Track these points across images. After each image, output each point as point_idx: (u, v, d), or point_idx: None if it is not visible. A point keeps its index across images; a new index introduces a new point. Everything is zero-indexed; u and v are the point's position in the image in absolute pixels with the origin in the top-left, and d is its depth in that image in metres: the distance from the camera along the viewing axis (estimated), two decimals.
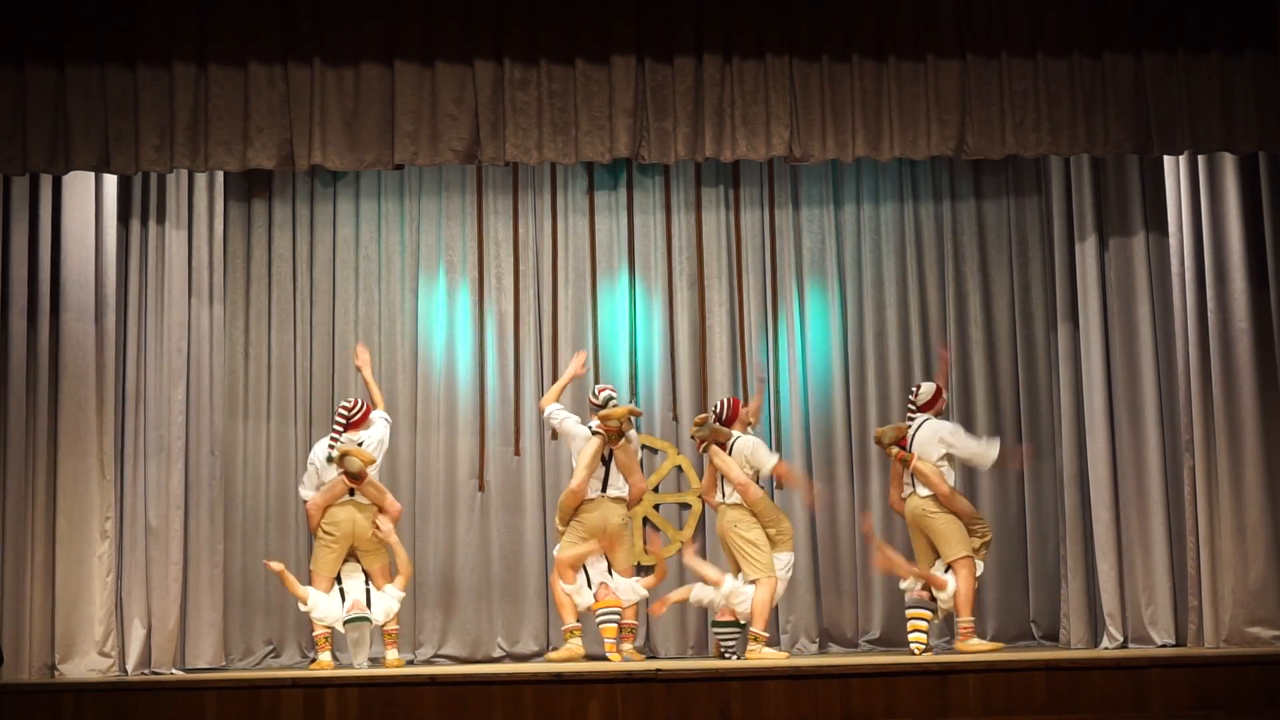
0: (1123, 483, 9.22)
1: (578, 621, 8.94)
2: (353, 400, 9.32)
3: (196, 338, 9.38)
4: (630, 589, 8.99)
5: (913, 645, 8.85)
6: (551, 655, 9.01)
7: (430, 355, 10.19)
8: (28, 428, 8.50)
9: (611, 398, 9.13)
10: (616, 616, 8.87)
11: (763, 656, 8.61)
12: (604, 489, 9.00)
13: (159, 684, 8.12)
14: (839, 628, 9.95)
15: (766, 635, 8.79)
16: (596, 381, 9.83)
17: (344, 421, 9.17)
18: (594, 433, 9.04)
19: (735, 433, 9.03)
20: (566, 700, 7.51)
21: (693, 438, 9.20)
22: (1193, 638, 8.73)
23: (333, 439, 9.14)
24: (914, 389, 9.28)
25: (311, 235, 10.23)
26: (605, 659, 8.76)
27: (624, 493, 9.06)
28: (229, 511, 9.73)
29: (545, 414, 9.40)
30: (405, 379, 10.14)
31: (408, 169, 9.77)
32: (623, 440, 9.03)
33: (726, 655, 8.80)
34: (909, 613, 8.95)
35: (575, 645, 8.85)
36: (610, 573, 9.02)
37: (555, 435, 9.73)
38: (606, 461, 9.02)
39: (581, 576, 8.99)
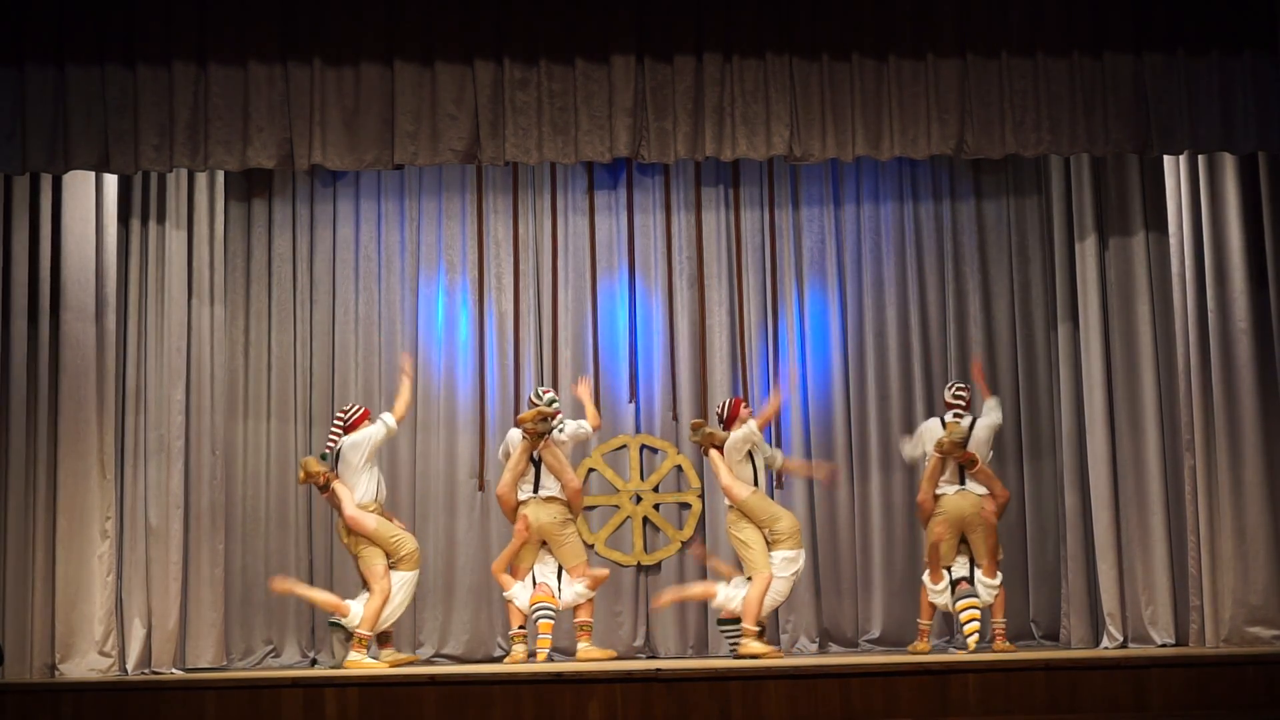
0: (1123, 483, 9.21)
1: (521, 627, 8.99)
2: (349, 405, 9.34)
3: (196, 338, 9.38)
4: (573, 592, 8.98)
5: (969, 640, 8.86)
6: (507, 660, 9.01)
7: (430, 355, 10.19)
8: (28, 427, 8.49)
9: (554, 399, 9.18)
10: (551, 612, 8.89)
11: (750, 649, 8.64)
12: (535, 490, 9.02)
13: (159, 684, 8.11)
14: (839, 628, 9.95)
15: (756, 630, 8.81)
16: (598, 389, 9.87)
17: (340, 425, 9.19)
18: (524, 436, 9.09)
19: (731, 434, 9.04)
20: (566, 700, 7.50)
21: (693, 441, 9.21)
22: (1193, 637, 8.72)
23: (328, 444, 9.17)
24: (962, 387, 9.27)
25: (311, 235, 10.23)
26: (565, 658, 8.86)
27: (557, 493, 9.04)
28: (229, 511, 9.72)
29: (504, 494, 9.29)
30: None
31: (408, 169, 9.77)
32: (544, 441, 9.02)
33: (733, 653, 8.83)
34: (960, 604, 8.91)
35: (519, 650, 8.91)
36: (560, 573, 9.04)
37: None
38: (538, 463, 9.05)
39: (528, 580, 9.02)
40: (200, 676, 8.46)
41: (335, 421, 9.23)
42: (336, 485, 8.98)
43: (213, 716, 7.56)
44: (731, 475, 8.92)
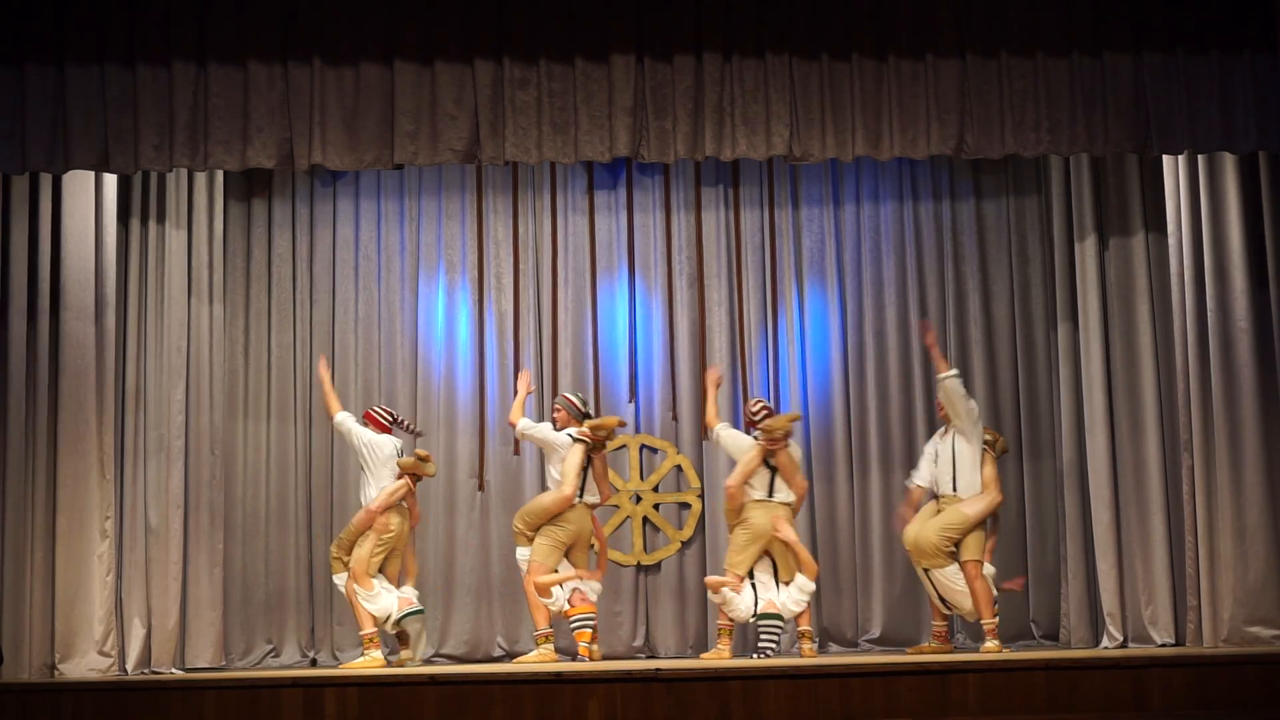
0: (1123, 483, 9.22)
1: (550, 626, 8.95)
2: (389, 406, 9.55)
3: (196, 337, 9.39)
4: (592, 589, 9.01)
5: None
6: (525, 658, 8.98)
7: (430, 355, 10.19)
8: (28, 427, 8.49)
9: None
10: (591, 621, 8.90)
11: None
12: (581, 495, 9.03)
13: (159, 684, 8.11)
14: (839, 628, 9.95)
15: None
16: (598, 389, 9.89)
17: (390, 421, 9.35)
18: (575, 440, 9.05)
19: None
20: (566, 700, 7.50)
21: (769, 430, 8.93)
22: (1192, 637, 8.73)
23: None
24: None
25: (311, 235, 10.23)
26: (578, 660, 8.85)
27: (596, 498, 9.12)
28: (229, 511, 9.73)
29: (518, 429, 9.35)
30: (405, 379, 10.15)
31: (407, 169, 9.78)
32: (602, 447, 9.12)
33: (765, 653, 8.73)
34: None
35: (548, 649, 8.88)
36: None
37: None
38: (585, 468, 9.06)
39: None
40: (200, 676, 8.46)
41: (386, 417, 9.35)
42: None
43: (212, 716, 7.56)
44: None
